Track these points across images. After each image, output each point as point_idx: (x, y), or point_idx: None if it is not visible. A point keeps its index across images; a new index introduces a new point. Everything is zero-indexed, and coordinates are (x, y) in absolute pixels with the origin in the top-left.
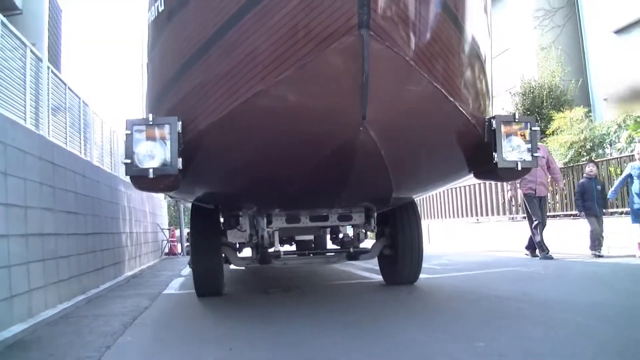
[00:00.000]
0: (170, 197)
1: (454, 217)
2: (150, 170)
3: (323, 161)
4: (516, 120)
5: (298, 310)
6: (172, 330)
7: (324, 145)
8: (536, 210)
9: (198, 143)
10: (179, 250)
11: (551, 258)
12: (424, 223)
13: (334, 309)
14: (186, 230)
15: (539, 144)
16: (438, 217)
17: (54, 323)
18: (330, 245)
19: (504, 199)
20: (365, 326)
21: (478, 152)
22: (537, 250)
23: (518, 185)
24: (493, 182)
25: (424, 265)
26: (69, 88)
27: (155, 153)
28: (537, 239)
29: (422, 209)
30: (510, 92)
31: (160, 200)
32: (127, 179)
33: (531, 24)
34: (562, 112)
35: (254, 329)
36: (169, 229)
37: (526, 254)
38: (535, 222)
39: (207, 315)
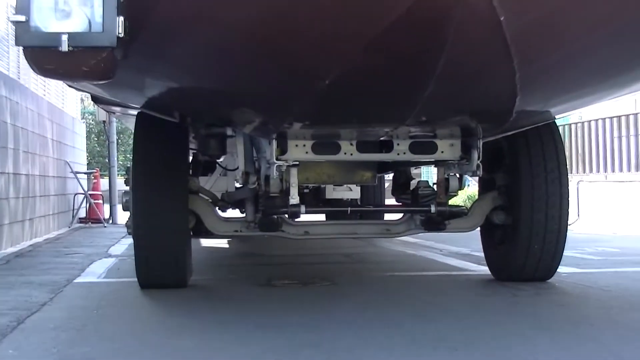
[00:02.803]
0: (97, 100)
1: (628, 170)
2: (64, 39)
3: (391, 28)
4: None
5: (328, 321)
6: (91, 343)
7: (390, 4)
8: None
9: None
10: (106, 215)
11: None
12: (571, 181)
13: (393, 321)
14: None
15: None
16: (597, 171)
17: None
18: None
19: None
20: (460, 353)
21: None
22: None
23: None
24: None
25: (568, 253)
26: None
27: (74, 5)
28: None
29: (568, 155)
30: None
31: (73, 121)
32: (12, 70)
33: None
34: None
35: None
36: (88, 175)
37: None
38: None
39: (157, 321)
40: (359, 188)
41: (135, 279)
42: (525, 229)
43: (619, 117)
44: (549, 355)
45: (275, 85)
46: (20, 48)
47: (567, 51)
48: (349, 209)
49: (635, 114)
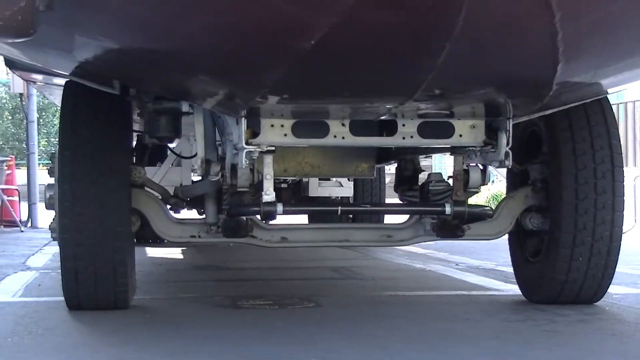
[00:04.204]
0: (11, 65)
1: None
2: None
3: None
4: None
5: (302, 350)
6: None
7: None
8: None
9: None
10: (24, 217)
11: None
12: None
13: (394, 354)
14: (43, 171)
15: None
16: None
17: None
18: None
19: None
20: None
21: None
22: None
23: None
24: None
25: (622, 268)
26: None
27: None
28: None
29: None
30: None
31: None
32: None
33: None
34: None
35: None
36: (0, 164)
37: None
38: None
39: (88, 352)
40: (351, 183)
41: (62, 298)
42: (568, 236)
43: None
44: None
45: (245, 43)
46: None
47: (622, 3)
48: (339, 209)
49: None
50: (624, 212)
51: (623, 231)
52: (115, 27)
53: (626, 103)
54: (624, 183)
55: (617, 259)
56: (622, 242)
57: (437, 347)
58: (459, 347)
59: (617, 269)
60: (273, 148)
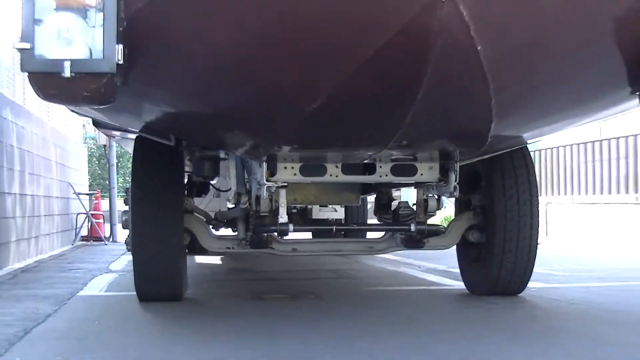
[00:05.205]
0: (98, 124)
1: (593, 192)
2: (66, 65)
3: (374, 57)
4: None
5: (313, 332)
6: (92, 352)
7: (377, 30)
8: None
9: (153, 17)
10: (107, 234)
11: None
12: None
13: (374, 331)
14: (120, 200)
15: None
16: (564, 192)
17: None
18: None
19: None
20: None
21: None
22: None
23: None
24: None
25: (538, 269)
26: None
27: (76, 34)
28: None
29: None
30: None
31: (75, 145)
32: (18, 97)
33: None
34: None
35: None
36: (90, 196)
37: None
38: None
39: (154, 331)
40: (343, 209)
41: (134, 293)
42: (499, 247)
43: (585, 143)
44: None
45: (265, 110)
46: (26, 74)
47: (539, 80)
48: (334, 227)
49: (600, 141)
50: (539, 229)
51: (538, 242)
52: (171, 99)
53: (540, 150)
54: (539, 208)
55: (534, 263)
56: (537, 251)
57: (405, 327)
58: (420, 326)
59: (534, 270)
60: (286, 184)
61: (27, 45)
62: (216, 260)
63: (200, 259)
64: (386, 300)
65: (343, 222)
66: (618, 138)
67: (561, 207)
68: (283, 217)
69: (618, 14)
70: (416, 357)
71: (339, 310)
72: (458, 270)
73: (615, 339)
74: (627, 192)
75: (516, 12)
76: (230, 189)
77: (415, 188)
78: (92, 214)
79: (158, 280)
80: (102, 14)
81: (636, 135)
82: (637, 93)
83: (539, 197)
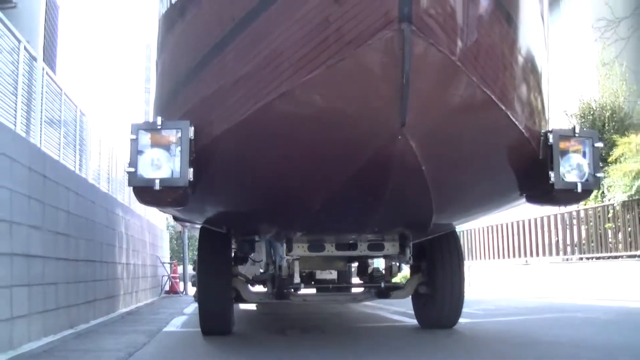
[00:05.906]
0: (176, 219)
1: (498, 257)
2: (157, 182)
3: (354, 176)
4: (576, 135)
5: (318, 355)
6: None
7: (355, 157)
8: None
9: (212, 151)
10: (181, 289)
11: None
12: (466, 265)
13: (360, 353)
14: (190, 267)
15: None
16: (480, 258)
17: (37, 356)
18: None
19: (557, 236)
20: None
21: (532, 171)
22: None
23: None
24: (545, 217)
25: (464, 309)
26: (65, 94)
27: (163, 162)
28: None
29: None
30: (566, 114)
31: (161, 231)
32: (126, 201)
33: (591, 37)
34: (627, 136)
35: None
36: (170, 264)
37: None
38: None
39: (214, 355)
40: (336, 272)
41: (199, 329)
42: (439, 295)
43: (491, 225)
44: None
45: (284, 212)
46: (131, 187)
47: (463, 188)
48: (330, 285)
49: (501, 224)
50: (465, 283)
51: (464, 291)
52: (223, 204)
53: (464, 230)
54: (465, 269)
55: (462, 306)
56: (464, 297)
57: (374, 348)
58: (385, 348)
59: (462, 311)
60: (298, 257)
61: (132, 169)
62: (252, 307)
63: (242, 306)
64: (367, 332)
65: (336, 281)
66: (512, 222)
67: (480, 266)
68: (297, 279)
69: (508, 154)
70: None
71: (335, 340)
72: (413, 312)
73: (513, 353)
74: (519, 257)
75: (448, 146)
76: (262, 260)
77: (383, 258)
78: (172, 276)
79: (215, 320)
80: (179, 148)
81: (522, 220)
82: (523, 194)
83: (464, 262)
